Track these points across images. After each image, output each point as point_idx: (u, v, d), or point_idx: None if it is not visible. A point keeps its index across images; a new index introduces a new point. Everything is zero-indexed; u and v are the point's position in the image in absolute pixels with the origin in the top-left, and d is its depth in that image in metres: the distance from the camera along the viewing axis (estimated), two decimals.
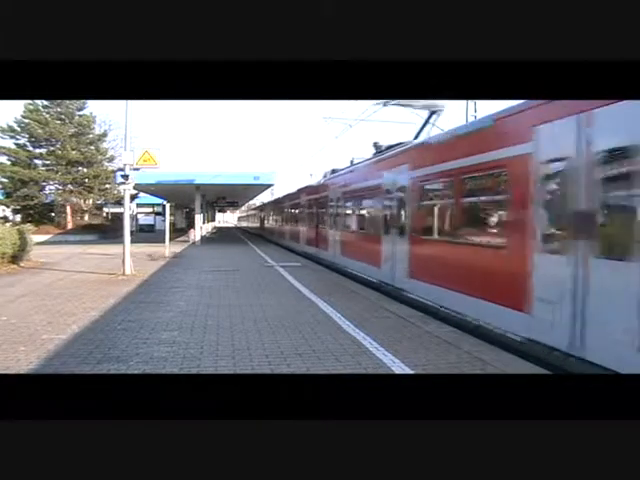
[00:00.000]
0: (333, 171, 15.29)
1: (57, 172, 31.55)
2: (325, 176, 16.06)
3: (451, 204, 6.84)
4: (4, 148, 30.92)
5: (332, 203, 13.99)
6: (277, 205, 28.03)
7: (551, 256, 4.59)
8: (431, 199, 7.78)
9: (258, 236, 34.34)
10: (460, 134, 6.94)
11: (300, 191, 20.31)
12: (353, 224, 12.14)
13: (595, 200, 4.12)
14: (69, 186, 31.95)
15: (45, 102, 30.94)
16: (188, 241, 23.61)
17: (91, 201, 34.24)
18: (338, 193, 13.28)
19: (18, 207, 31.76)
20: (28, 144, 31.58)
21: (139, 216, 40.19)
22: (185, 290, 8.77)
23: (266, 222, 33.81)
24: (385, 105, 11.27)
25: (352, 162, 14.06)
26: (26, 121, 30.63)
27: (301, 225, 19.40)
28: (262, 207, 39.55)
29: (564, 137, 4.43)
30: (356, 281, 10.26)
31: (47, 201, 32.63)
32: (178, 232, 30.38)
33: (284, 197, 25.59)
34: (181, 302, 7.52)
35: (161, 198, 31.14)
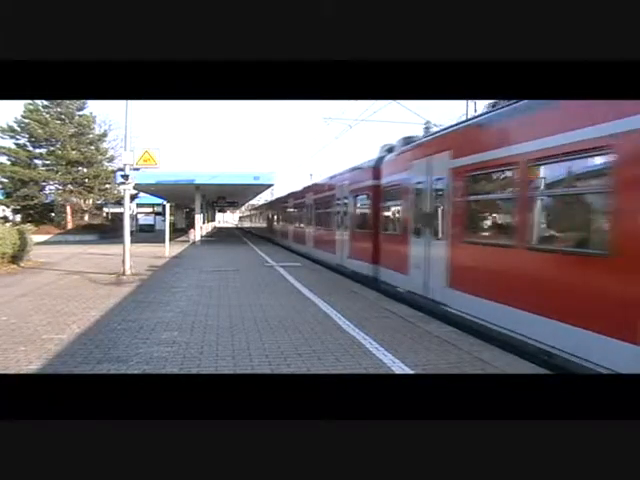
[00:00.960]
0: (407, 141, 9.02)
1: (57, 172, 31.57)
2: (391, 150, 9.73)
3: None
4: (4, 148, 30.94)
5: (417, 192, 7.98)
6: (293, 201, 21.77)
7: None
8: None
9: (265, 239, 29.53)
10: None
11: (335, 179, 14.00)
12: (502, 231, 5.90)
13: None
14: (69, 186, 31.96)
15: (45, 102, 30.97)
16: (188, 241, 23.62)
17: (91, 201, 34.25)
18: (440, 172, 7.05)
19: (18, 207, 31.78)
20: (28, 144, 31.61)
21: (139, 216, 40.23)
22: (185, 290, 8.77)
23: (276, 223, 27.93)
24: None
25: (428, 129, 9.37)
26: (26, 121, 30.65)
27: (337, 228, 13.07)
28: (271, 204, 33.06)
29: None
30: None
31: (47, 201, 32.66)
32: (178, 232, 30.39)
33: (303, 190, 19.69)
34: (181, 302, 7.52)
35: (161, 198, 31.15)
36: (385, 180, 9.75)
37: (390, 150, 9.96)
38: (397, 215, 9.12)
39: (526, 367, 4.37)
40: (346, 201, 12.29)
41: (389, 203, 9.57)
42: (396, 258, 8.75)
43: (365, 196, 10.93)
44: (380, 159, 10.29)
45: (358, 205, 11.47)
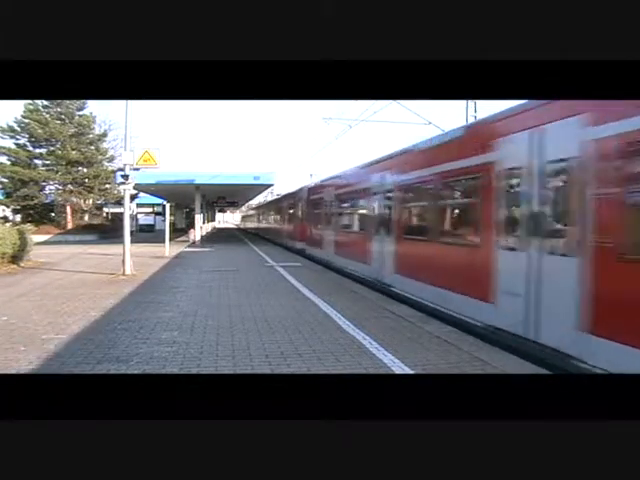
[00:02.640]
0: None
1: (57, 172, 31.55)
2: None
3: None
4: (4, 148, 30.92)
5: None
6: (356, 187, 11.86)
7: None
8: None
9: (283, 248, 20.85)
10: None
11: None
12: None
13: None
14: (69, 186, 31.95)
15: (45, 102, 30.94)
16: (188, 241, 23.61)
17: (91, 201, 34.23)
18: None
19: (18, 207, 31.76)
20: (28, 144, 31.59)
21: (139, 216, 40.21)
22: (185, 290, 8.77)
23: (311, 225, 17.22)
24: None
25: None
26: (26, 121, 30.63)
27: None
28: (287, 197, 22.97)
29: None
30: None
31: (47, 201, 32.63)
32: (178, 232, 30.38)
33: (385, 165, 10.00)
34: (181, 302, 7.52)
35: (161, 198, 31.14)
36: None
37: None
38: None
39: (526, 367, 4.37)
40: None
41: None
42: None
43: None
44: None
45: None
